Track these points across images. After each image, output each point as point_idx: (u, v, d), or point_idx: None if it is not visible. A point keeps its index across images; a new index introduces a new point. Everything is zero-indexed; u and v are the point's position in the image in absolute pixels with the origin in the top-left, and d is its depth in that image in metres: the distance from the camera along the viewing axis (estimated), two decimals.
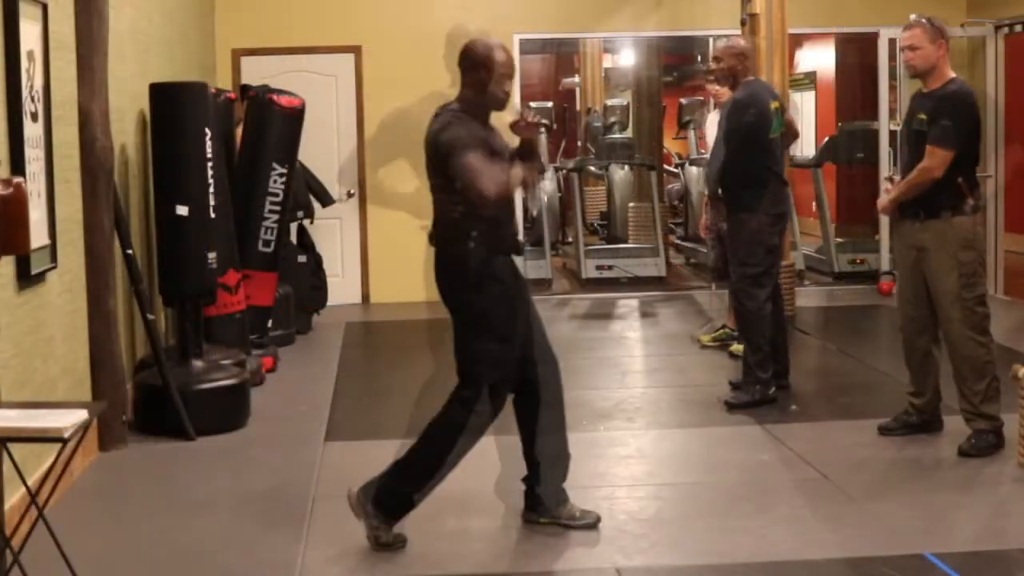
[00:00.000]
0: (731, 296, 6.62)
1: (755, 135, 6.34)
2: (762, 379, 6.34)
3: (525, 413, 4.42)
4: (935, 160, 5.23)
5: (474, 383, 4.23)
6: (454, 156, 4.09)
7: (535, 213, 11.27)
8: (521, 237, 4.44)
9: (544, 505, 4.45)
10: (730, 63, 6.46)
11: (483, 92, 4.24)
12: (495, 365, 4.23)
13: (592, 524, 4.44)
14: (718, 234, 7.87)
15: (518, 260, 4.46)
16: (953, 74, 5.39)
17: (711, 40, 11.01)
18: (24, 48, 4.57)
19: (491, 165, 4.09)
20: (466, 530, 4.49)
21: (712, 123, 8.04)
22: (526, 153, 4.29)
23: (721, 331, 8.13)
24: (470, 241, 4.18)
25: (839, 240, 11.77)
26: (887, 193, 5.56)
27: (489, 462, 4.54)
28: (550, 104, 13.85)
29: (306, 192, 8.81)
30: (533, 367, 4.37)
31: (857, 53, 13.27)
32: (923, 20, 5.33)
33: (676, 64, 17.64)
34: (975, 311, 5.33)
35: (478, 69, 4.23)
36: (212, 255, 6.29)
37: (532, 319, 4.42)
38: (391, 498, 4.27)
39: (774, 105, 6.46)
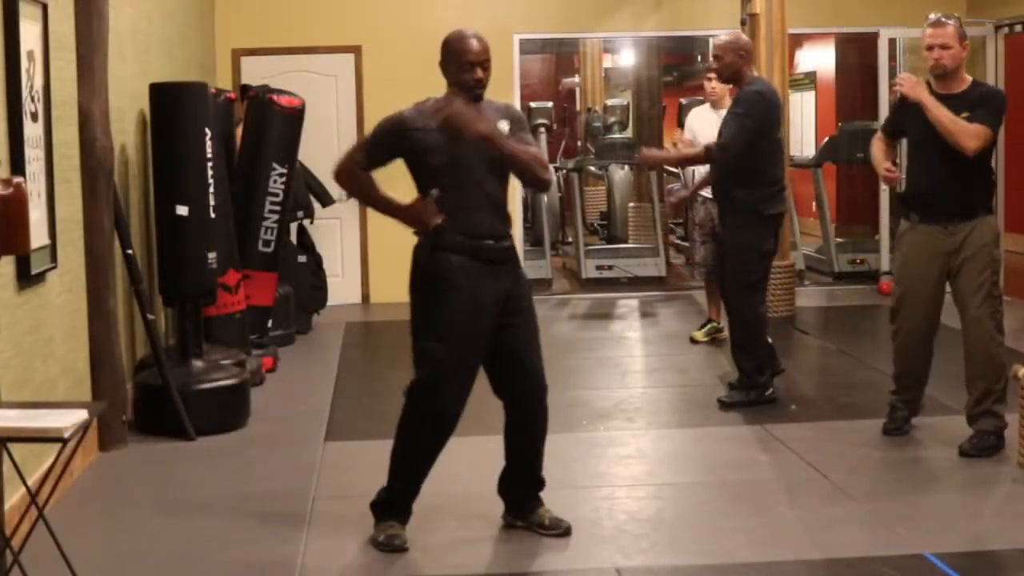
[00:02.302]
0: (724, 300, 6.57)
1: (770, 131, 6.26)
2: (759, 383, 6.33)
3: (505, 422, 4.41)
4: (979, 132, 5.17)
5: (415, 379, 4.24)
6: None
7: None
8: (503, 243, 4.27)
9: (510, 508, 4.46)
10: (732, 59, 6.28)
11: (450, 81, 4.22)
12: (428, 363, 4.20)
13: (559, 533, 4.37)
14: (712, 230, 7.88)
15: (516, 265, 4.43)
16: (969, 76, 5.39)
17: (711, 40, 10.99)
18: (24, 48, 4.57)
19: (359, 165, 4.35)
20: (466, 530, 4.48)
21: (706, 120, 7.95)
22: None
23: (710, 325, 8.16)
24: (420, 236, 4.24)
25: (839, 240, 11.78)
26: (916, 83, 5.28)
27: (489, 463, 4.53)
28: (550, 104, 13.85)
29: (306, 192, 8.81)
30: (511, 383, 4.33)
31: (857, 53, 13.28)
32: (952, 19, 5.28)
33: (676, 64, 17.65)
34: (998, 309, 5.36)
35: (443, 58, 4.22)
36: (212, 255, 6.29)
37: (520, 334, 4.32)
38: (376, 498, 4.36)
39: None
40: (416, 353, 4.24)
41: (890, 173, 5.49)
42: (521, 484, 4.45)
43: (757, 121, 6.19)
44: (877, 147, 5.62)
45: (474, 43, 4.18)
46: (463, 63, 4.16)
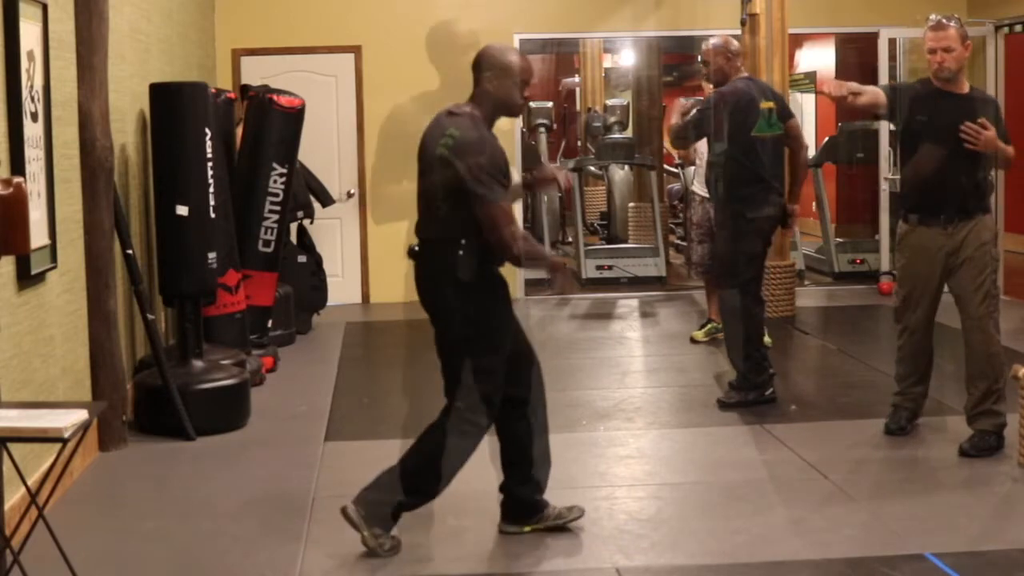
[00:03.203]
0: (719, 299, 6.61)
1: (732, 131, 6.22)
2: (757, 383, 6.33)
3: (512, 417, 4.36)
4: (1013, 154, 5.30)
5: (470, 394, 4.17)
6: (479, 188, 3.99)
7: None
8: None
9: (528, 512, 4.42)
10: (718, 63, 6.35)
11: (499, 97, 4.17)
12: (490, 376, 4.18)
13: (579, 516, 4.44)
14: (710, 229, 7.87)
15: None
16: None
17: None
18: (24, 48, 4.57)
19: (511, 215, 4.07)
20: (465, 530, 4.49)
21: None
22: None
23: (710, 326, 8.16)
24: (460, 249, 4.08)
25: (839, 240, 11.78)
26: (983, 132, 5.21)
27: (488, 462, 4.53)
28: (550, 104, 13.85)
29: (306, 192, 8.81)
30: (518, 369, 4.32)
31: (857, 53, 13.27)
32: (953, 21, 5.29)
33: (676, 64, 17.64)
34: (997, 308, 5.37)
35: (496, 74, 4.16)
36: (212, 255, 6.29)
37: (520, 336, 4.37)
38: (387, 508, 4.24)
39: (765, 105, 6.34)
40: (474, 370, 4.17)
41: (854, 95, 5.38)
42: (544, 472, 4.42)
43: (706, 119, 6.28)
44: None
45: (527, 62, 4.25)
46: (520, 82, 4.19)
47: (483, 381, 4.17)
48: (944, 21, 5.29)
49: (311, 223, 9.02)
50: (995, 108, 5.40)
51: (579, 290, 10.93)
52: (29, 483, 3.84)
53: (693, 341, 8.17)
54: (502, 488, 4.45)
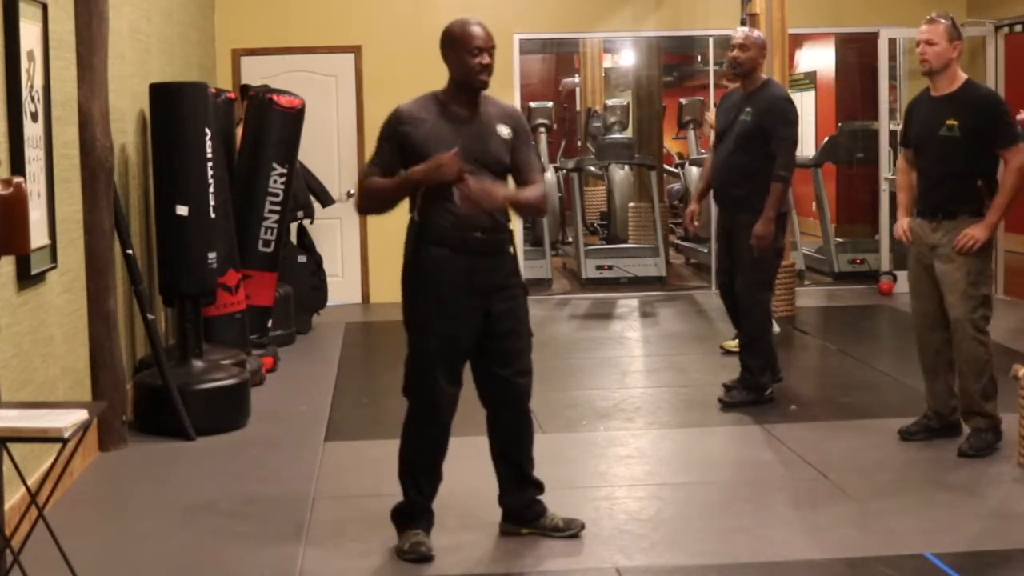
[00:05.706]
0: (737, 301, 6.52)
1: (796, 135, 6.32)
2: (762, 383, 6.33)
3: (488, 427, 4.40)
4: (1019, 165, 5.22)
5: (406, 376, 4.23)
6: None
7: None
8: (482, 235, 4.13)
9: (523, 516, 4.41)
10: (755, 53, 6.31)
11: (453, 70, 4.19)
12: (413, 355, 4.20)
13: (578, 530, 4.38)
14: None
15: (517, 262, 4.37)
16: (965, 76, 5.39)
17: (711, 40, 11.01)
18: (24, 48, 4.57)
19: (365, 170, 4.24)
20: (467, 530, 4.48)
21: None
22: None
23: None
24: (409, 227, 4.21)
25: (839, 240, 11.78)
26: (983, 226, 5.26)
27: (490, 462, 4.53)
28: (550, 104, 13.86)
29: (306, 192, 8.81)
30: (491, 384, 4.29)
31: (857, 53, 13.28)
32: (945, 18, 5.31)
33: (676, 64, 17.64)
34: (978, 309, 5.33)
35: (446, 47, 4.20)
36: (212, 255, 6.30)
37: (502, 333, 4.21)
38: (393, 509, 4.33)
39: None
40: (408, 343, 4.24)
41: (904, 234, 5.53)
42: (522, 491, 4.42)
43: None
44: (901, 178, 5.67)
45: (480, 29, 4.19)
46: (470, 48, 4.12)
47: (411, 360, 4.20)
48: (935, 16, 5.33)
49: (311, 223, 9.02)
50: (983, 109, 5.28)
51: (579, 290, 10.94)
52: (29, 483, 3.84)
53: (724, 352, 7.74)
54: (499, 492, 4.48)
